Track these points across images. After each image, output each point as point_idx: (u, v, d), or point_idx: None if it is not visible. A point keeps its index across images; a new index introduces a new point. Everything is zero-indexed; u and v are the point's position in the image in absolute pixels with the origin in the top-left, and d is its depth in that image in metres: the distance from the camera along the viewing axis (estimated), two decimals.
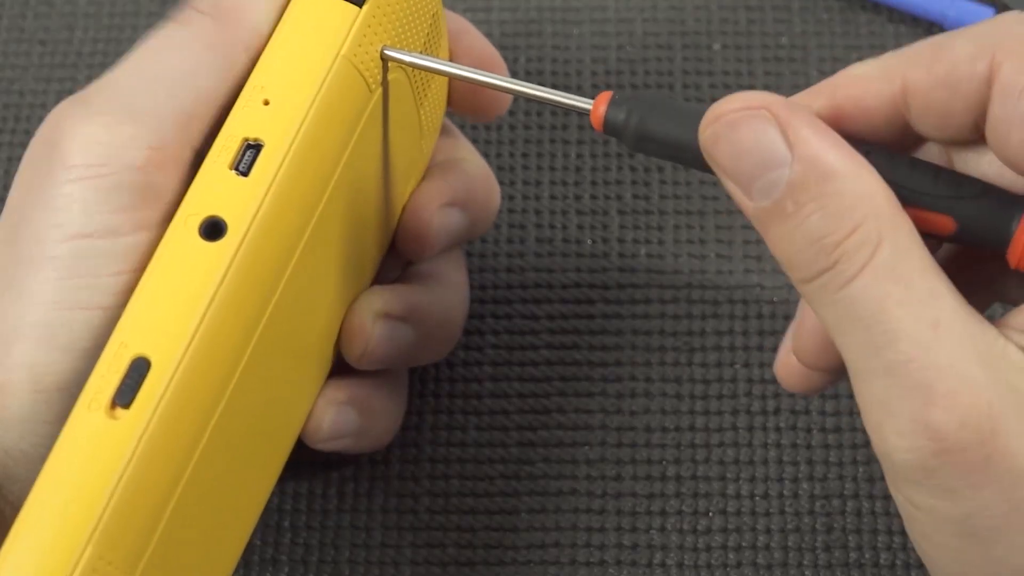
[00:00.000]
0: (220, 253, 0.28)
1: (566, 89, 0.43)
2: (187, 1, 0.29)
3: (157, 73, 0.28)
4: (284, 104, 0.29)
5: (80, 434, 0.27)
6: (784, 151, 0.25)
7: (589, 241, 0.41)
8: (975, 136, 0.27)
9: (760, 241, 0.41)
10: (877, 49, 0.43)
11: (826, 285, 0.25)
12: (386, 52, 0.31)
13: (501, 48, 0.43)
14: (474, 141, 0.42)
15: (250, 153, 0.29)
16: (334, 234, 0.31)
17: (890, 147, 0.27)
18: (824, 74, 0.43)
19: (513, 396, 0.39)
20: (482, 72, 0.31)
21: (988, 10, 0.43)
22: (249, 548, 0.37)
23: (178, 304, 0.27)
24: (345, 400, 0.34)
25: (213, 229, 0.28)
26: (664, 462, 0.38)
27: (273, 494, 0.38)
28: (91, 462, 0.26)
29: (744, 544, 0.37)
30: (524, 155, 0.42)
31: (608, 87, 0.43)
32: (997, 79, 0.25)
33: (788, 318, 0.40)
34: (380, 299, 0.34)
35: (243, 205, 0.28)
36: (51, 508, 0.26)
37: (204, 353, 0.27)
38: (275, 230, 0.29)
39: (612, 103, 0.29)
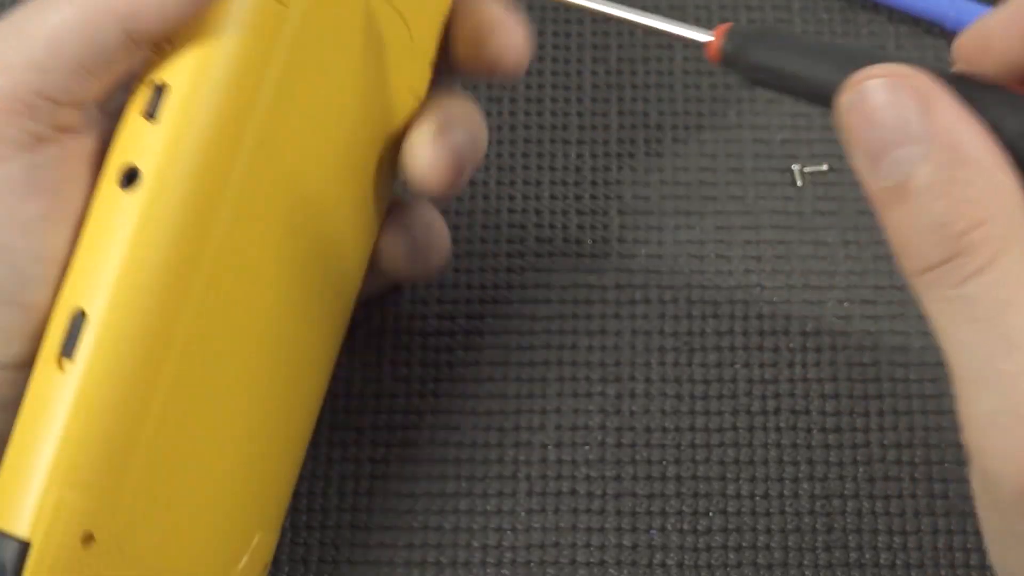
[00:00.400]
0: (135, 200, 0.29)
1: (565, 89, 0.43)
2: None
3: (24, 27, 0.29)
4: (184, 42, 0.29)
5: (36, 389, 0.28)
6: (920, 128, 0.24)
7: (589, 241, 0.41)
8: None
9: (760, 241, 0.41)
10: (878, 49, 0.43)
11: (943, 278, 0.24)
12: None
13: None
14: None
15: (157, 97, 0.29)
16: (293, 163, 0.31)
17: None
18: None
19: (512, 396, 0.39)
20: None
21: (988, 10, 0.42)
22: None
23: (104, 254, 0.29)
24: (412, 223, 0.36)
25: (129, 177, 0.29)
26: (664, 462, 0.38)
27: None
28: (44, 411, 0.28)
29: (744, 544, 0.37)
30: (524, 155, 0.42)
31: (608, 87, 0.43)
32: None
33: (788, 318, 0.40)
34: (431, 120, 0.35)
35: (153, 150, 0.29)
36: (11, 459, 0.28)
37: (135, 298, 0.28)
38: (191, 168, 0.29)
39: (729, 35, 0.29)
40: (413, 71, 0.35)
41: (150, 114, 0.29)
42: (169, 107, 0.29)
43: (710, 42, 0.29)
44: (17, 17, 0.30)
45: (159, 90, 0.29)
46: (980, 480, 0.24)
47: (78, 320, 0.28)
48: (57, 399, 0.28)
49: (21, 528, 0.27)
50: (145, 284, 0.29)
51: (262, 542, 0.33)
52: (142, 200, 0.29)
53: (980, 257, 0.24)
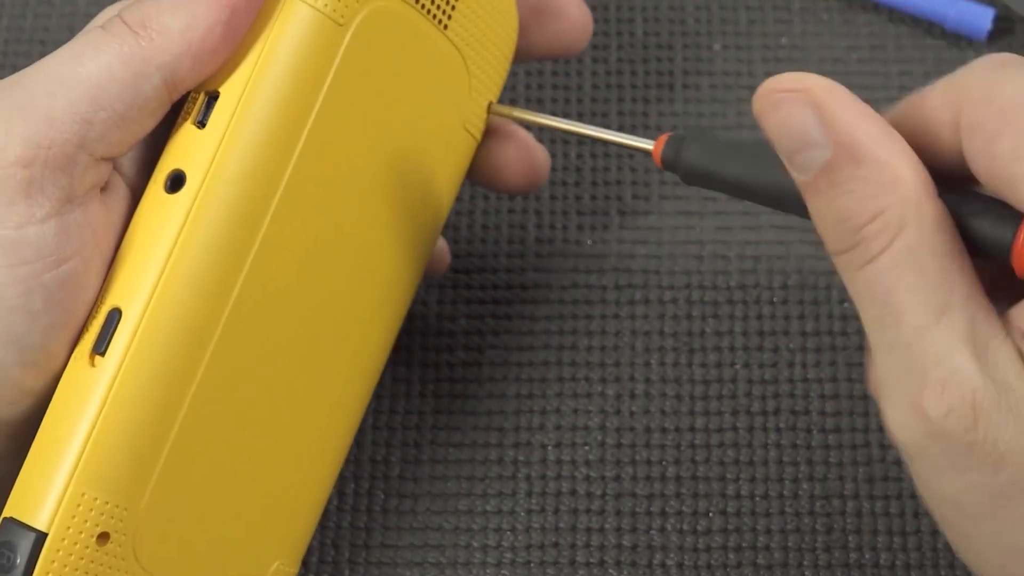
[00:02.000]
0: (180, 203, 0.29)
1: (565, 90, 0.43)
2: (120, 14, 0.30)
3: (63, 76, 0.29)
4: (240, 53, 0.30)
5: (66, 384, 0.29)
6: (818, 134, 0.27)
7: (589, 241, 0.41)
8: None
9: (759, 242, 0.41)
10: (877, 50, 0.43)
11: (849, 262, 0.27)
12: None
13: None
14: None
15: (209, 105, 0.30)
16: (339, 179, 0.32)
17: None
18: (825, 74, 0.43)
19: (512, 396, 0.39)
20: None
21: (988, 10, 0.42)
22: None
23: (144, 255, 0.29)
24: None
25: (176, 181, 0.29)
26: (664, 462, 0.38)
27: None
28: (73, 407, 0.28)
29: (744, 544, 0.37)
30: None
31: (608, 87, 0.43)
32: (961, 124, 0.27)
33: (788, 318, 0.40)
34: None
35: (200, 155, 0.29)
36: (37, 452, 0.28)
37: (171, 298, 0.29)
38: (235, 175, 0.29)
39: (667, 142, 0.31)
40: (468, 108, 0.35)
41: (201, 122, 0.30)
42: (219, 115, 0.30)
43: (653, 149, 0.31)
44: (51, 64, 0.29)
45: (211, 99, 0.30)
46: (890, 435, 0.27)
47: (114, 318, 0.29)
48: (86, 394, 0.28)
49: (40, 520, 0.28)
50: (182, 286, 0.29)
51: (280, 572, 0.33)
52: (186, 204, 0.29)
53: (875, 246, 0.27)
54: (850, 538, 0.37)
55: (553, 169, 0.42)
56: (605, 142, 0.34)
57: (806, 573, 0.37)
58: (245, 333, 0.30)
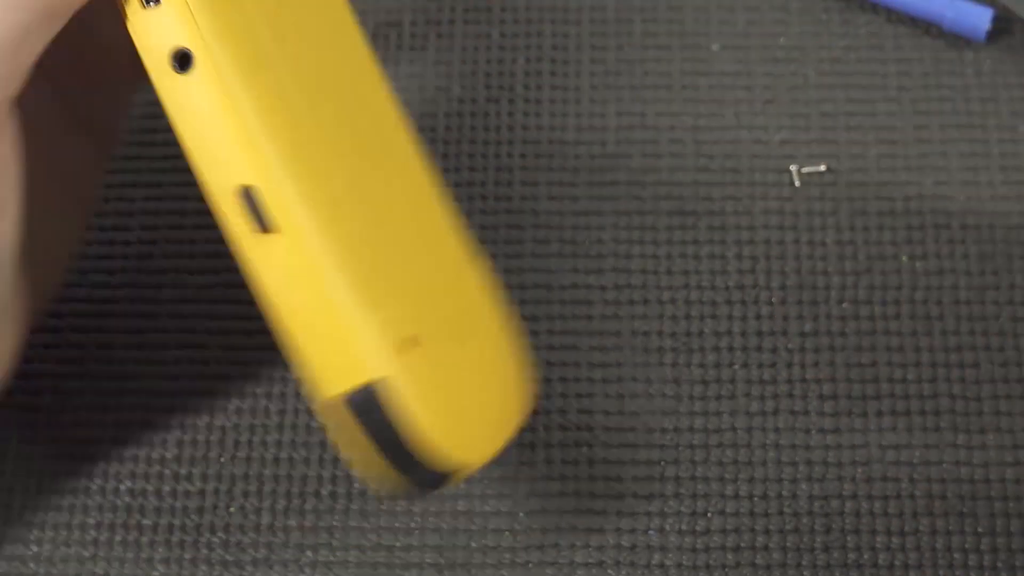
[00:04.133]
0: (201, 79, 0.29)
1: (563, 90, 0.43)
2: None
3: None
4: None
5: (279, 266, 0.29)
6: None
7: (587, 242, 0.41)
8: None
9: (757, 242, 0.41)
10: (875, 50, 0.43)
11: None
12: None
13: (499, 48, 0.44)
14: (471, 143, 0.42)
15: None
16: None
17: None
18: (823, 75, 0.43)
19: None
20: None
21: (987, 10, 0.43)
22: (241, 547, 0.37)
23: (220, 135, 0.29)
24: None
25: (182, 60, 0.29)
26: (663, 463, 0.38)
27: (267, 493, 0.38)
28: (305, 281, 0.29)
29: (743, 545, 0.37)
30: (522, 155, 0.42)
31: (607, 88, 0.43)
32: None
33: (786, 319, 0.40)
34: None
35: (178, 26, 0.29)
36: (320, 325, 0.29)
37: (293, 159, 0.29)
38: (229, 26, 0.29)
39: None
40: None
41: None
42: None
43: None
44: None
45: None
46: None
47: (251, 196, 0.29)
48: (306, 256, 0.28)
49: (376, 372, 0.28)
50: (286, 143, 0.29)
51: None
52: (209, 76, 0.29)
53: None
54: (849, 538, 0.37)
55: (551, 169, 0.42)
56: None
57: (805, 573, 0.37)
58: (352, 150, 0.31)
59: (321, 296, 0.29)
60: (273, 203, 0.29)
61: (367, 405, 0.29)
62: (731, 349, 0.39)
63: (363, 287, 0.29)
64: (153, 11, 0.29)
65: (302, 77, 0.30)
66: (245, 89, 0.29)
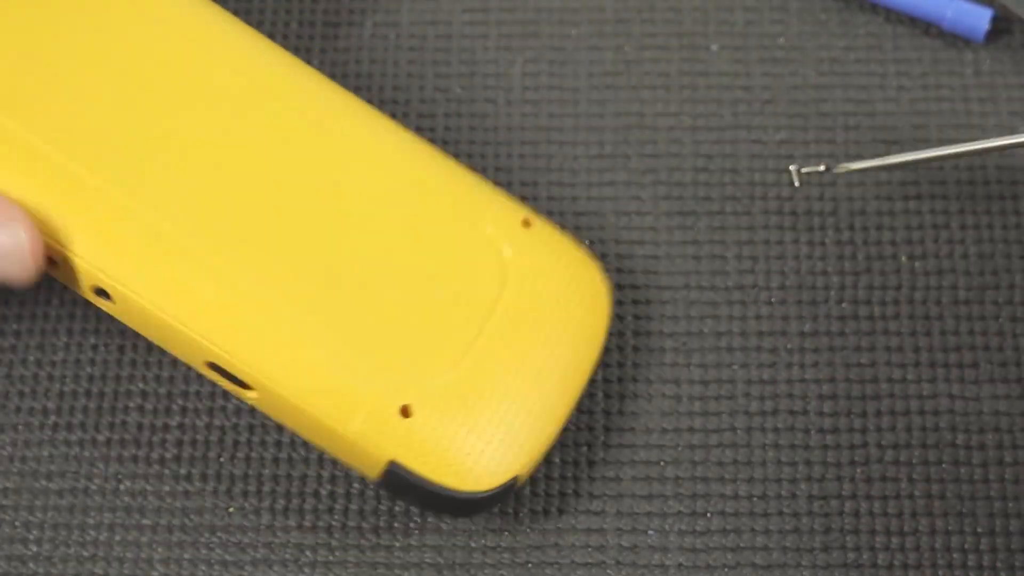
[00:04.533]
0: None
1: (562, 90, 0.43)
2: None
3: None
4: None
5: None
6: None
7: (587, 241, 0.41)
8: None
9: (756, 242, 0.41)
10: (874, 50, 0.43)
11: None
12: None
13: (498, 49, 0.44)
14: (470, 142, 0.42)
15: None
16: None
17: None
18: (822, 75, 0.43)
19: None
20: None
21: (986, 10, 0.43)
22: (241, 547, 0.37)
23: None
24: None
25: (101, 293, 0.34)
26: (663, 463, 0.38)
27: (267, 493, 0.37)
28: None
29: (743, 545, 0.37)
30: (521, 156, 0.42)
31: (605, 88, 0.43)
32: None
33: (786, 319, 0.40)
34: None
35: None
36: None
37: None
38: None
39: None
40: None
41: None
42: None
43: None
44: None
45: None
46: None
47: (218, 367, 0.34)
48: (283, 402, 0.34)
49: (386, 456, 0.34)
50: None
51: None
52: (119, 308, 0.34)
53: None
54: (848, 538, 0.37)
55: (550, 170, 0.42)
56: (982, 152, 0.37)
57: (804, 573, 0.37)
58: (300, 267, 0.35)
59: (313, 425, 0.34)
60: (238, 371, 0.33)
61: (395, 484, 0.34)
62: (730, 349, 0.39)
63: (342, 400, 0.34)
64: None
65: (220, 242, 0.34)
66: (156, 308, 0.33)
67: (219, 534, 0.37)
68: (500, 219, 0.37)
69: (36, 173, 0.34)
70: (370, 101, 0.43)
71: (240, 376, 0.34)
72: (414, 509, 0.37)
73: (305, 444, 0.38)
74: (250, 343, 0.33)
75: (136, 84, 0.35)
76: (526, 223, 0.37)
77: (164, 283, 0.33)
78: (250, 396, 0.34)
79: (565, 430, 0.38)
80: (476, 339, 0.35)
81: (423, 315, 0.35)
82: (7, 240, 0.32)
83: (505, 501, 0.36)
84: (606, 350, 0.39)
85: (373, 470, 0.34)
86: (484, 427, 0.34)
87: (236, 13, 0.45)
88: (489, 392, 0.35)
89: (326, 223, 0.35)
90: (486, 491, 0.34)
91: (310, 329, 0.34)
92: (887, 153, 0.41)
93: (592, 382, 0.39)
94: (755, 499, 0.37)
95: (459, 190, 0.37)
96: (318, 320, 0.34)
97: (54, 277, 0.35)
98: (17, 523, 0.38)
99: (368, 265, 0.35)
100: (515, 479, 0.35)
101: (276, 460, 0.38)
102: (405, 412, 0.34)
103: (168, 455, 0.38)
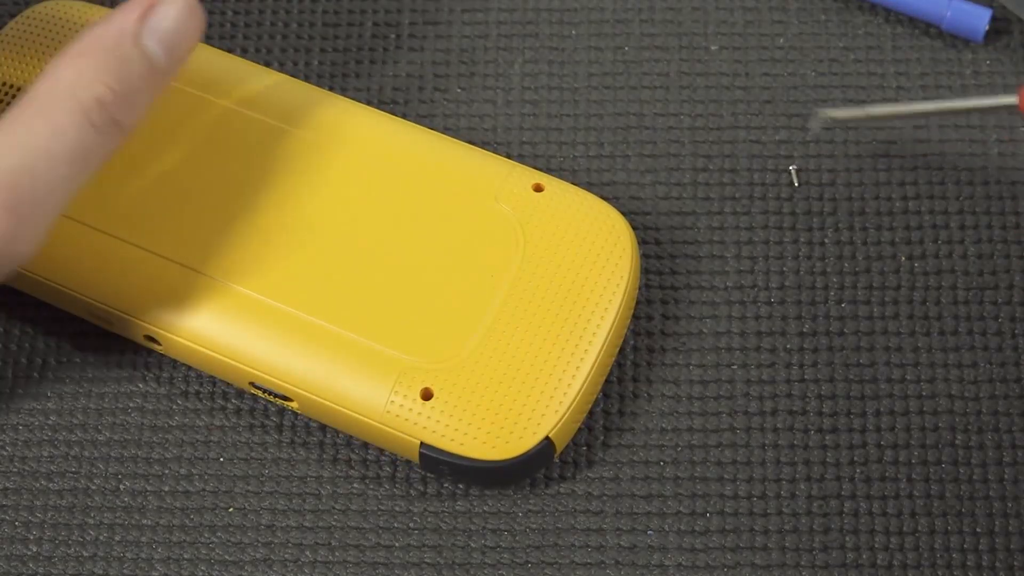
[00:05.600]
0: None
1: (561, 91, 0.43)
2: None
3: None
4: None
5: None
6: None
7: None
8: None
9: (754, 242, 0.41)
10: (874, 50, 0.43)
11: None
12: None
13: (497, 49, 0.44)
14: (470, 143, 0.42)
15: None
16: None
17: None
18: (821, 75, 0.43)
19: None
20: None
21: (985, 11, 0.43)
22: (240, 548, 0.37)
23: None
24: None
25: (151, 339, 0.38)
26: (662, 463, 0.38)
27: (265, 494, 0.38)
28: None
29: (742, 545, 0.37)
30: (520, 156, 0.42)
31: (605, 88, 0.43)
32: None
33: (785, 319, 0.40)
34: None
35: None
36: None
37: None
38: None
39: None
40: None
41: None
42: None
43: (1019, 102, 0.35)
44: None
45: None
46: None
47: (259, 386, 0.38)
48: (323, 409, 0.37)
49: (416, 438, 0.36)
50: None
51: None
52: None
53: None
54: (847, 538, 0.37)
55: (550, 170, 0.42)
56: (960, 112, 0.36)
57: (804, 573, 0.37)
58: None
59: (348, 421, 0.36)
60: (277, 387, 0.37)
61: (431, 464, 0.36)
62: (730, 349, 0.39)
63: (369, 396, 0.36)
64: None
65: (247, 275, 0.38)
66: (200, 344, 0.37)
67: (219, 534, 0.37)
68: (511, 192, 0.39)
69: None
70: (369, 102, 0.43)
71: (282, 392, 0.37)
72: (415, 508, 0.38)
73: (305, 444, 0.38)
74: (288, 363, 0.36)
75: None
76: (538, 188, 0.39)
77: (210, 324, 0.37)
78: (290, 405, 0.37)
79: (607, 381, 0.39)
80: (493, 311, 0.37)
81: (442, 299, 0.37)
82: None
83: (545, 465, 0.37)
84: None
85: (411, 454, 0.36)
86: (505, 394, 0.36)
87: (237, 15, 0.45)
88: (508, 360, 0.36)
89: (343, 230, 0.38)
90: (518, 456, 0.35)
91: (342, 341, 0.36)
92: (877, 117, 0.40)
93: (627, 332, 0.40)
94: (754, 499, 0.38)
95: (468, 170, 0.39)
96: (349, 330, 0.36)
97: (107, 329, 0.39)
98: (17, 523, 0.38)
99: (390, 266, 0.37)
100: (548, 441, 0.36)
101: (276, 460, 0.38)
102: (426, 395, 0.36)
103: (168, 455, 0.38)
